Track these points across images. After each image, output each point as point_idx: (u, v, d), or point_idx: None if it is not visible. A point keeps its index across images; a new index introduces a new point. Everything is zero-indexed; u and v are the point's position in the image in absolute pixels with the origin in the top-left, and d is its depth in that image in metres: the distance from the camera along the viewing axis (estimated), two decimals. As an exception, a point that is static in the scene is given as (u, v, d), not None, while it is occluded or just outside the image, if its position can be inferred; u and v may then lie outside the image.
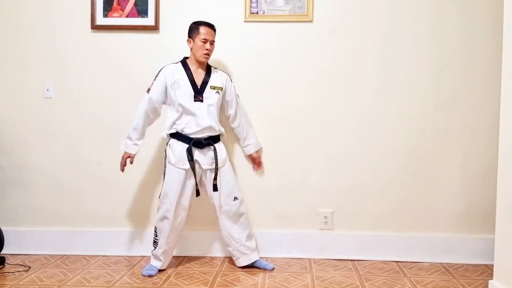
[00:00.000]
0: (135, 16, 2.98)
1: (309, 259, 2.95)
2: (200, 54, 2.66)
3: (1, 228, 2.88)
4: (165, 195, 2.66)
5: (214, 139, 2.72)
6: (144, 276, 2.63)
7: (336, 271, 2.76)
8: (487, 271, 2.75)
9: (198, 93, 2.65)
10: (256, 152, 2.92)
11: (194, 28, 2.67)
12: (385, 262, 2.91)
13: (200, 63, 2.70)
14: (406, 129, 2.94)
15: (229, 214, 2.73)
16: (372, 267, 2.82)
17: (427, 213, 2.95)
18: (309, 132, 2.97)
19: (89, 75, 3.03)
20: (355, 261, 2.92)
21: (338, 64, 2.95)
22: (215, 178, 2.66)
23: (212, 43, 2.69)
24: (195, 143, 2.63)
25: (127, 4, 2.98)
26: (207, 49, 2.65)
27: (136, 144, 2.69)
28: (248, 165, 3.00)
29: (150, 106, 2.68)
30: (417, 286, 2.51)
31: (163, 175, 2.72)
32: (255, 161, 2.93)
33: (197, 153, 2.65)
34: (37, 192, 3.07)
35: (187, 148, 2.62)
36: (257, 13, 2.96)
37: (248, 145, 2.89)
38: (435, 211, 2.95)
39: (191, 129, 2.64)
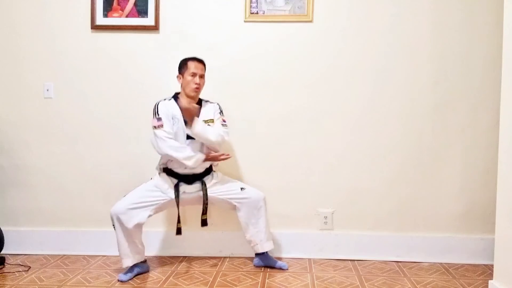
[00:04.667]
0: (135, 16, 2.98)
1: (309, 259, 2.95)
2: (190, 89, 2.61)
3: (1, 228, 2.88)
4: (131, 198, 2.57)
5: (205, 171, 2.69)
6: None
7: (336, 271, 2.76)
8: (487, 271, 2.75)
9: None
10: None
11: (183, 64, 2.64)
12: (385, 262, 2.91)
13: (190, 98, 2.64)
14: (406, 129, 2.94)
15: (247, 204, 2.67)
16: (372, 267, 2.82)
17: (427, 213, 2.95)
18: (309, 132, 2.97)
19: (89, 75, 3.03)
20: (355, 261, 2.92)
21: (338, 64, 2.95)
22: (204, 213, 2.64)
23: (201, 76, 2.64)
24: (182, 179, 2.63)
25: (127, 4, 2.99)
26: (196, 83, 2.60)
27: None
28: (248, 165, 3.00)
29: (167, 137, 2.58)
30: (417, 286, 2.51)
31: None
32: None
33: (184, 185, 2.64)
34: (37, 192, 3.07)
35: (175, 185, 2.61)
36: (257, 13, 2.96)
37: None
38: (435, 211, 2.95)
39: (182, 170, 2.62)
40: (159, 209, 2.65)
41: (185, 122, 2.57)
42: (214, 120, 2.68)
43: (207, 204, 2.65)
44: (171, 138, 2.55)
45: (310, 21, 2.94)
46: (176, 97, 2.68)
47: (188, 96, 2.65)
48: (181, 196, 2.62)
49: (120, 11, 2.99)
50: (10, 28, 3.03)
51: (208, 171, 2.71)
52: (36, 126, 3.05)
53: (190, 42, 2.99)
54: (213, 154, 2.61)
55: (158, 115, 2.58)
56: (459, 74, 2.90)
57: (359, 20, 2.93)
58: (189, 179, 2.64)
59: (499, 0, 2.66)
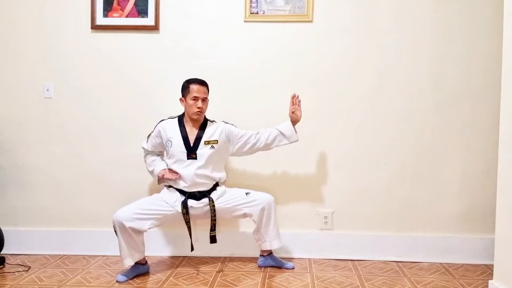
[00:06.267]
0: (135, 16, 2.98)
1: (309, 259, 2.95)
2: (192, 112, 2.62)
3: (1, 228, 2.88)
4: (135, 207, 2.57)
5: (211, 189, 2.69)
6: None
7: (336, 271, 2.76)
8: (487, 271, 2.75)
9: (191, 151, 2.62)
10: (292, 120, 2.72)
11: (185, 87, 2.64)
12: (385, 262, 2.92)
13: (194, 121, 2.67)
14: (406, 129, 2.94)
15: (257, 207, 2.65)
16: (372, 267, 2.82)
17: (427, 213, 2.95)
18: (309, 132, 2.96)
19: (89, 75, 3.03)
20: (355, 261, 2.92)
21: (338, 64, 2.95)
22: (212, 230, 2.64)
23: (204, 100, 2.63)
24: (190, 196, 2.63)
25: (127, 4, 2.99)
26: (198, 107, 2.60)
27: (158, 160, 2.78)
28: (247, 166, 3.00)
29: (147, 152, 2.80)
30: (417, 286, 2.51)
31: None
32: (295, 109, 2.71)
33: (191, 201, 2.63)
34: (37, 192, 3.07)
35: (182, 201, 2.60)
36: (257, 13, 2.96)
37: (284, 131, 2.72)
38: (435, 211, 2.95)
39: (184, 186, 2.63)
40: (164, 220, 2.63)
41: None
42: (219, 141, 2.66)
43: (215, 220, 2.64)
44: (148, 153, 2.80)
45: (310, 21, 2.94)
46: (181, 117, 2.71)
47: (191, 120, 2.66)
48: (190, 211, 2.61)
49: (120, 11, 2.99)
50: (10, 28, 3.03)
51: (215, 188, 2.71)
52: (36, 126, 3.06)
53: (190, 42, 2.99)
54: (164, 176, 2.65)
55: (153, 131, 2.74)
56: (459, 74, 2.90)
57: (359, 20, 2.93)
58: (196, 195, 2.64)
59: (499, 0, 2.66)
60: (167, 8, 2.98)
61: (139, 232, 2.55)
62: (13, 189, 3.08)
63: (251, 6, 2.95)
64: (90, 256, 3.00)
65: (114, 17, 2.99)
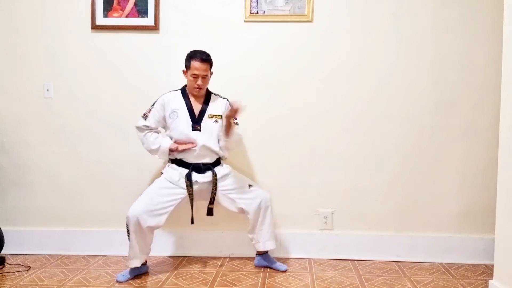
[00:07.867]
0: (135, 16, 2.98)
1: (309, 259, 2.95)
2: (191, 89, 2.64)
3: (1, 228, 2.88)
4: (148, 201, 2.54)
5: (215, 162, 2.69)
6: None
7: (336, 271, 2.76)
8: (487, 271, 2.75)
9: (196, 123, 2.63)
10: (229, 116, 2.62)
11: (187, 61, 2.63)
12: (385, 262, 2.92)
13: (194, 95, 2.68)
14: (406, 129, 2.94)
15: (254, 205, 2.65)
16: (372, 267, 2.82)
17: (427, 213, 2.95)
18: (309, 132, 2.97)
19: (89, 75, 3.03)
20: (355, 261, 2.92)
21: (338, 64, 2.95)
22: (211, 202, 2.64)
23: (204, 77, 2.61)
24: (194, 168, 2.62)
25: (127, 4, 2.99)
26: (198, 84, 2.60)
27: (160, 136, 2.69)
28: (249, 165, 3.00)
29: (147, 130, 2.68)
30: (417, 286, 2.51)
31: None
32: (232, 112, 2.59)
33: (196, 175, 2.62)
34: (37, 192, 3.07)
35: (186, 174, 2.59)
36: (257, 13, 2.96)
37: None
38: (435, 211, 2.95)
39: (189, 158, 2.62)
40: (177, 208, 2.62)
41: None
42: (223, 117, 2.67)
43: (215, 193, 2.63)
44: (147, 132, 2.68)
45: (310, 21, 2.94)
46: (184, 89, 2.71)
47: (191, 94, 2.67)
48: (194, 186, 2.59)
49: (120, 11, 2.99)
50: (10, 28, 3.03)
51: (218, 162, 2.72)
52: (36, 126, 3.06)
53: (190, 42, 2.98)
54: (179, 146, 2.59)
55: (153, 106, 2.68)
56: (459, 74, 2.90)
57: (359, 20, 2.93)
58: (200, 168, 2.63)
59: (499, 0, 2.66)
60: (167, 8, 2.99)
61: (154, 230, 2.56)
62: (13, 189, 3.08)
63: (251, 6, 2.95)
64: (90, 256, 3.00)
65: (114, 17, 2.99)
